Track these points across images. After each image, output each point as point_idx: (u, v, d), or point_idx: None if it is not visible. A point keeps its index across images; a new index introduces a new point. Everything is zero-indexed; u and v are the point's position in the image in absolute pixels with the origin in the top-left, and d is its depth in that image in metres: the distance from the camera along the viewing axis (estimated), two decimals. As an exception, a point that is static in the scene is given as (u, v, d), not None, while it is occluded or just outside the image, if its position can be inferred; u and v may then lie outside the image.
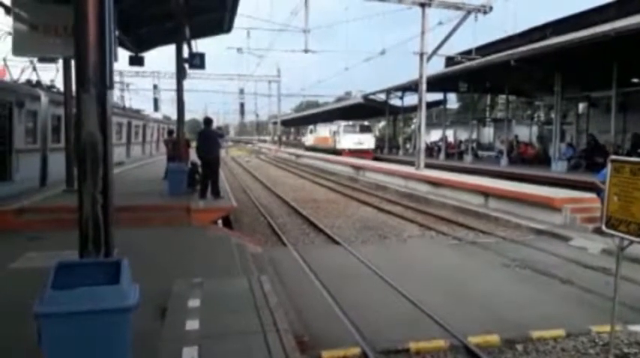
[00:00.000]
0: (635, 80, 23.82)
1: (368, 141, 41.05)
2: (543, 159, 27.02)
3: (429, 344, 5.39)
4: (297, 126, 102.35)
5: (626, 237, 4.65)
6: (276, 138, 70.73)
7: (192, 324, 4.84)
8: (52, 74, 17.95)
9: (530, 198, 13.29)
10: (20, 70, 17.40)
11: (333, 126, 45.09)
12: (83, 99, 3.70)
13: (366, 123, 46.00)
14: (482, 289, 7.49)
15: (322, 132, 50.48)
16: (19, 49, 10.06)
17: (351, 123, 43.05)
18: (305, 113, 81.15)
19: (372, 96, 43.35)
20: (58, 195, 11.81)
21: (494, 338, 5.57)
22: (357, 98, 50.11)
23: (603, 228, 5.00)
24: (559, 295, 7.23)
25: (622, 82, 21.94)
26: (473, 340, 5.45)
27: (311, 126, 59.51)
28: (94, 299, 3.09)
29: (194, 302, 5.45)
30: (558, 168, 23.50)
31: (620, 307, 5.00)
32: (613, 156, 5.24)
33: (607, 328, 5.36)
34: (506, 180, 18.17)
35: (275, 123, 72.97)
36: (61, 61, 13.61)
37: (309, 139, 57.25)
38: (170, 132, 19.57)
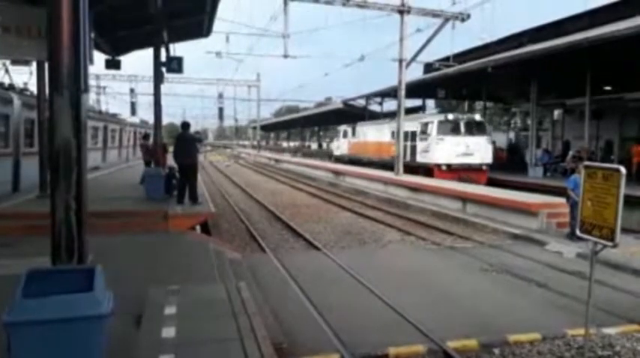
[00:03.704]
0: (608, 88, 24.44)
1: (481, 150, 22.60)
2: (519, 165, 27.48)
3: (407, 349, 5.40)
4: (276, 130, 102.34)
5: (599, 241, 4.74)
6: (255, 142, 70.35)
7: (169, 332, 4.76)
8: (25, 77, 17.61)
9: (507, 204, 13.48)
10: (-8, 72, 17.03)
11: (409, 124, 24.23)
12: (57, 102, 3.64)
13: (477, 117, 25.25)
14: (461, 293, 7.55)
15: (372, 133, 31.54)
16: (-10, 51, 9.81)
17: (450, 116, 23.79)
18: (284, 118, 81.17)
19: (351, 102, 43.52)
20: (31, 201, 11.53)
21: (472, 343, 5.61)
22: (337, 103, 50.25)
23: (577, 232, 5.09)
24: (535, 299, 7.33)
25: (595, 89, 22.50)
26: (451, 345, 5.47)
27: (345, 127, 38.04)
28: (67, 307, 3.02)
29: (170, 310, 5.36)
30: (535, 173, 23.92)
31: (594, 310, 5.08)
32: (586, 163, 5.34)
33: (582, 331, 5.45)
34: (484, 185, 18.42)
35: (254, 127, 72.74)
36: (34, 64, 13.35)
37: (341, 146, 37.99)
38: (145, 136, 19.27)
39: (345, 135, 37.40)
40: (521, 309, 6.89)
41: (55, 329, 2.99)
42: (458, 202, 15.52)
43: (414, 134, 24.56)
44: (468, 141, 22.39)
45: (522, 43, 26.05)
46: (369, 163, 29.63)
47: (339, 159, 36.83)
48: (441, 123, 23.02)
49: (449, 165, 22.05)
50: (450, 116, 23.77)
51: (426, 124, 23.86)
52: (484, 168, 22.43)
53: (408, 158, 24.40)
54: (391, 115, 29.85)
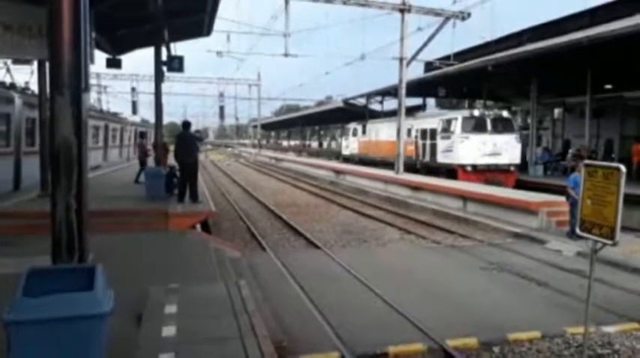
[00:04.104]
0: (608, 87, 24.42)
1: (509, 149, 20.86)
2: (520, 164, 27.43)
3: (407, 347, 5.41)
4: (277, 129, 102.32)
5: (599, 239, 4.75)
6: (256, 141, 70.28)
7: (169, 330, 4.77)
8: (26, 76, 17.62)
9: (507, 202, 13.48)
10: (-7, 71, 17.05)
11: (427, 121, 24.14)
12: (57, 101, 3.64)
13: (504, 113, 22.67)
14: (461, 292, 7.56)
15: (386, 131, 28.47)
16: (-9, 50, 9.82)
17: (476, 112, 22.05)
18: (285, 117, 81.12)
19: (352, 101, 43.48)
20: (32, 200, 11.54)
21: (472, 341, 5.62)
22: (337, 102, 50.20)
23: (577, 231, 5.09)
24: (535, 297, 7.34)
25: (596, 88, 22.49)
26: (451, 343, 5.49)
27: (354, 125, 36.04)
28: (67, 306, 3.03)
29: (171, 308, 5.37)
30: (535, 172, 23.90)
31: (593, 309, 5.09)
32: (586, 161, 5.35)
33: (581, 329, 5.46)
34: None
35: (255, 126, 72.71)
36: (35, 63, 13.35)
37: (350, 145, 35.81)
38: (142, 135, 19.05)
39: (354, 133, 35.36)
40: (521, 307, 6.90)
41: (56, 328, 2.99)
42: (458, 201, 15.52)
43: (433, 132, 22.90)
44: (495, 140, 20.61)
45: (522, 41, 26.04)
46: (382, 163, 27.09)
47: (349, 159, 34.41)
48: (465, 119, 21.16)
49: (474, 166, 20.31)
50: (476, 112, 21.96)
51: (448, 121, 21.95)
52: (512, 169, 20.76)
53: (428, 158, 23.21)
54: (409, 111, 26.35)
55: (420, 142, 24.25)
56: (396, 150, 21.77)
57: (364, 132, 33.28)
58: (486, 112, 22.14)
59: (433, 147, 22.85)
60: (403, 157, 21.91)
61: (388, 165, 25.64)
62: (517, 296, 7.44)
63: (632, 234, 11.52)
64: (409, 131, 24.78)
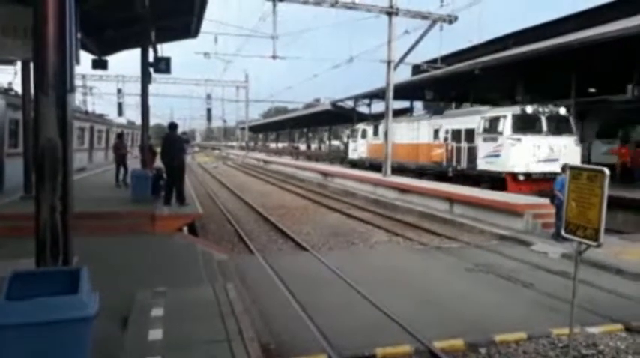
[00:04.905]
0: (592, 90, 24.77)
1: (568, 154, 17.39)
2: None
3: (395, 349, 5.42)
4: (265, 132, 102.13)
5: (584, 241, 4.81)
6: (243, 143, 70.04)
7: (156, 334, 4.74)
8: (9, 76, 17.39)
9: (493, 204, 13.59)
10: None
11: (464, 119, 20.86)
12: (42, 102, 3.60)
13: (561, 110, 18.81)
14: (447, 294, 7.60)
15: (403, 132, 25.91)
16: (-26, 51, 9.68)
17: (529, 109, 18.17)
18: (273, 119, 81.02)
19: (340, 104, 43.59)
20: (16, 202, 11.38)
21: (458, 343, 5.65)
22: (325, 105, 50.28)
23: (562, 233, 5.15)
24: (521, 299, 7.40)
25: (580, 91, 22.79)
26: (438, 344, 5.51)
27: (363, 125, 32.69)
28: (52, 310, 2.99)
29: (157, 312, 5.33)
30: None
31: (578, 310, 5.15)
32: (570, 164, 5.42)
33: (566, 330, 5.52)
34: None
35: (243, 128, 72.51)
36: (19, 63, 13.19)
37: (359, 148, 32.19)
38: (119, 136, 18.59)
39: (363, 134, 31.58)
40: (507, 309, 6.95)
41: (40, 332, 2.96)
42: (445, 203, 15.62)
43: (469, 133, 19.68)
44: (551, 143, 17.42)
45: (508, 45, 26.32)
46: (399, 169, 23.90)
47: (357, 164, 30.69)
48: (516, 118, 17.80)
49: (528, 174, 17.14)
50: (529, 109, 18.07)
51: (493, 120, 18.59)
52: None
53: (464, 164, 19.72)
54: (439, 112, 24.91)
55: (453, 145, 20.84)
56: (384, 152, 21.85)
57: (376, 133, 29.55)
58: (540, 109, 18.37)
59: (471, 151, 19.45)
60: (427, 163, 20.85)
61: (405, 171, 23.78)
62: (503, 297, 7.50)
63: (616, 236, 11.68)
64: (436, 132, 22.25)
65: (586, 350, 5.58)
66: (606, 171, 4.62)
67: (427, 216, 15.21)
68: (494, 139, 18.32)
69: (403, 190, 18.55)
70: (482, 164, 18.78)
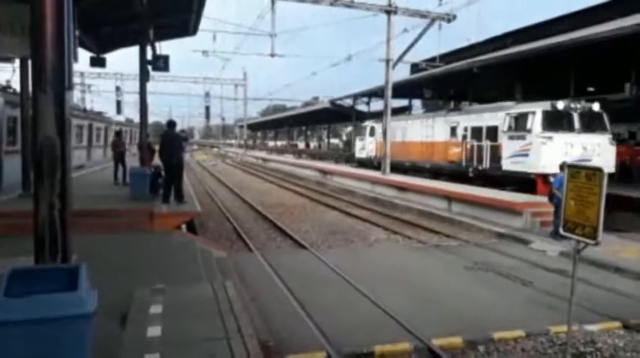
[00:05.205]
0: (591, 89, 24.78)
1: (602, 154, 16.37)
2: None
3: (393, 347, 5.43)
4: (264, 130, 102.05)
5: (582, 239, 4.82)
6: (242, 141, 69.98)
7: (154, 331, 4.74)
8: (7, 74, 17.35)
9: (491, 203, 13.61)
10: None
11: (486, 116, 19.49)
12: (40, 100, 3.59)
13: (595, 106, 17.22)
14: (446, 292, 7.61)
15: (417, 130, 24.82)
16: (-28, 48, 9.67)
17: (560, 105, 16.64)
18: (272, 117, 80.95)
19: (339, 102, 43.55)
20: (14, 200, 11.36)
21: (457, 340, 5.66)
22: (324, 103, 50.22)
23: (561, 231, 5.16)
24: (519, 297, 7.41)
25: (578, 91, 22.79)
26: (437, 342, 5.52)
27: (371, 123, 30.38)
28: (51, 307, 2.98)
29: (156, 309, 5.33)
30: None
31: (576, 308, 5.16)
32: (568, 162, 5.43)
33: (564, 328, 5.54)
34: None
35: (241, 126, 72.42)
36: (17, 61, 13.15)
37: (367, 146, 30.47)
38: (117, 134, 18.57)
39: (372, 132, 29.80)
40: (506, 307, 6.97)
41: (39, 329, 2.95)
42: (444, 201, 15.63)
43: (492, 130, 18.45)
44: (584, 141, 16.10)
45: (507, 44, 26.31)
46: (411, 169, 23.43)
47: (365, 164, 29.23)
48: (547, 114, 16.41)
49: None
50: (560, 104, 16.49)
51: (520, 117, 17.22)
52: None
53: (486, 164, 18.43)
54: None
55: (474, 144, 19.43)
56: (383, 151, 21.86)
57: (378, 131, 28.40)
58: (572, 104, 16.88)
59: (495, 150, 18.11)
60: (443, 162, 20.40)
61: (419, 170, 22.91)
62: (502, 295, 7.51)
63: (615, 235, 11.71)
64: (453, 129, 21.04)
65: (584, 348, 5.60)
66: (604, 169, 4.63)
67: (426, 214, 15.22)
68: (522, 137, 16.92)
69: (401, 188, 18.57)
70: (507, 164, 17.48)
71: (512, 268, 8.96)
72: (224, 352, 4.36)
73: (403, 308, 6.55)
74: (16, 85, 14.37)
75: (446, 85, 28.77)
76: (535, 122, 16.48)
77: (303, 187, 24.65)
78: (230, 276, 7.28)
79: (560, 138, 15.98)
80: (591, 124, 16.70)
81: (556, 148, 15.71)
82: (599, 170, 4.70)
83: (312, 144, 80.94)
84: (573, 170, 5.02)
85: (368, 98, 38.57)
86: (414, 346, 5.47)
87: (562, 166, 9.25)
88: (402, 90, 28.36)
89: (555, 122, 16.39)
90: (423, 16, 20.90)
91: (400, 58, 22.25)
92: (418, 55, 25.47)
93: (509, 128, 17.62)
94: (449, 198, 15.44)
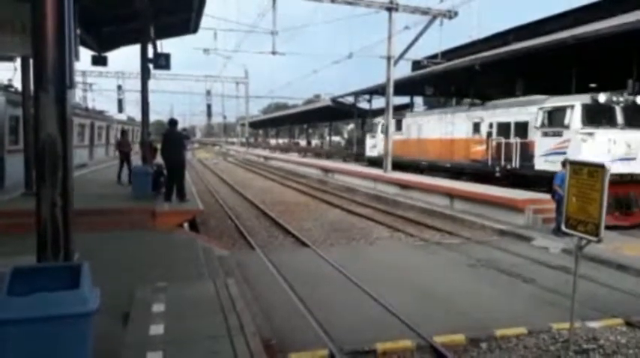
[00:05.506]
0: (593, 86, 24.70)
1: None
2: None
3: (395, 344, 5.43)
4: (265, 128, 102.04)
5: (584, 236, 4.81)
6: (243, 139, 69.97)
7: (157, 329, 4.74)
8: (9, 73, 17.37)
9: (493, 200, 13.59)
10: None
11: (514, 111, 18.15)
12: (42, 99, 3.59)
13: (639, 99, 15.15)
14: (448, 289, 7.61)
15: (434, 126, 23.29)
16: (-26, 47, 9.68)
17: (602, 98, 14.80)
18: (273, 115, 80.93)
19: (340, 99, 43.52)
20: (16, 199, 11.40)
21: (459, 337, 5.66)
22: (325, 101, 50.17)
23: (563, 228, 5.16)
24: (522, 294, 7.41)
25: (580, 87, 22.72)
26: (439, 339, 5.52)
27: (383, 119, 24.26)
28: (53, 305, 2.99)
29: (158, 307, 5.33)
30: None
31: (578, 304, 5.16)
32: (571, 159, 5.41)
33: (566, 325, 5.54)
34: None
35: (243, 125, 72.45)
36: (19, 60, 13.17)
37: (379, 144, 27.28)
38: (123, 133, 18.68)
39: (384, 130, 26.56)
40: (508, 304, 6.96)
41: (41, 327, 2.96)
42: (446, 199, 15.62)
43: (521, 126, 17.11)
44: (628, 138, 14.16)
45: (508, 41, 26.23)
46: (428, 168, 22.06)
47: (377, 163, 26.14)
48: (587, 108, 14.84)
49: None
50: (602, 97, 14.86)
51: (557, 111, 15.67)
52: None
53: (516, 163, 16.97)
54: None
55: (501, 141, 17.87)
56: (385, 149, 21.83)
57: (399, 128, 26.25)
58: (614, 98, 15.23)
59: (526, 147, 16.71)
60: (465, 161, 19.43)
61: (436, 171, 21.47)
62: (504, 292, 7.51)
63: (617, 231, 11.68)
64: (476, 126, 19.60)
65: (587, 345, 5.59)
66: (607, 166, 4.62)
67: (428, 211, 15.22)
68: (559, 134, 15.43)
69: (403, 186, 18.56)
70: (540, 163, 15.94)
71: (514, 265, 8.95)
72: (226, 350, 4.36)
73: (405, 306, 6.55)
74: (18, 84, 14.40)
75: (448, 82, 28.71)
76: (574, 117, 14.96)
77: (305, 185, 24.64)
78: (232, 274, 7.29)
79: (603, 134, 14.26)
80: (635, 119, 14.96)
81: (598, 146, 14.02)
82: (601, 166, 4.69)
83: (314, 142, 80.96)
84: (576, 166, 5.01)
85: (369, 95, 38.52)
86: (416, 343, 5.47)
87: (564, 163, 9.24)
88: (403, 87, 28.30)
89: (596, 117, 14.84)
90: (424, 12, 20.86)
91: (402, 56, 22.22)
92: (420, 52, 25.50)
93: (543, 124, 16.19)
94: (451, 195, 15.43)
